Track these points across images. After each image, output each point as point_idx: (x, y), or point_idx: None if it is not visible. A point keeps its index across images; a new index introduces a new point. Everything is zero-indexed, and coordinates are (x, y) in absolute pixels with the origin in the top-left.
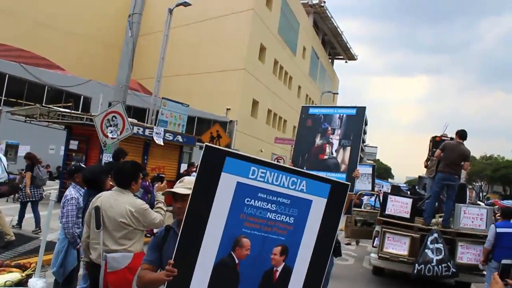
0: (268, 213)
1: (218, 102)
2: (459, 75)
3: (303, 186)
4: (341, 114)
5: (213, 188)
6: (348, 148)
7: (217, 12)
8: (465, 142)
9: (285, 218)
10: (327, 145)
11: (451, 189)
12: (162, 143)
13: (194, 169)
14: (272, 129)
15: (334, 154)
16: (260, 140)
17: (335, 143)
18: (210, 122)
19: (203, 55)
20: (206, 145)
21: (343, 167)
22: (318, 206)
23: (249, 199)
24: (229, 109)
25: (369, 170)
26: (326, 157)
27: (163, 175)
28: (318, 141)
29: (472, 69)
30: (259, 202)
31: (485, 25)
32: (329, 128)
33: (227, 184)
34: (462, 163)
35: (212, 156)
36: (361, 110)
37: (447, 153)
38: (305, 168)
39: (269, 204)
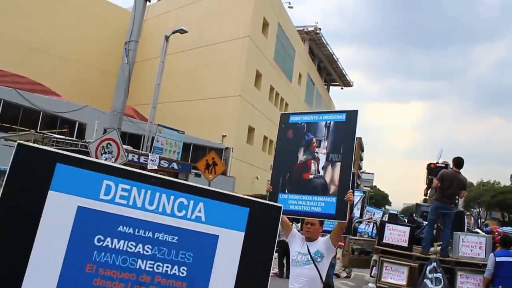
0: (140, 262)
1: (213, 129)
2: (454, 101)
3: (199, 211)
4: (328, 122)
5: (33, 220)
6: (338, 164)
7: (213, 39)
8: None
9: (172, 270)
10: (312, 161)
11: (448, 217)
12: (156, 167)
13: None
14: (268, 156)
15: (321, 173)
16: (256, 167)
17: (322, 158)
18: (205, 149)
19: (199, 82)
20: (19, 143)
21: (332, 188)
22: (230, 244)
23: (102, 238)
24: (225, 136)
25: (358, 196)
26: (311, 176)
27: None
28: (301, 156)
29: (467, 95)
30: (121, 242)
31: (479, 51)
32: (314, 140)
33: (59, 212)
34: (459, 191)
35: (32, 161)
36: (352, 115)
37: (445, 183)
38: (286, 192)
39: (140, 246)
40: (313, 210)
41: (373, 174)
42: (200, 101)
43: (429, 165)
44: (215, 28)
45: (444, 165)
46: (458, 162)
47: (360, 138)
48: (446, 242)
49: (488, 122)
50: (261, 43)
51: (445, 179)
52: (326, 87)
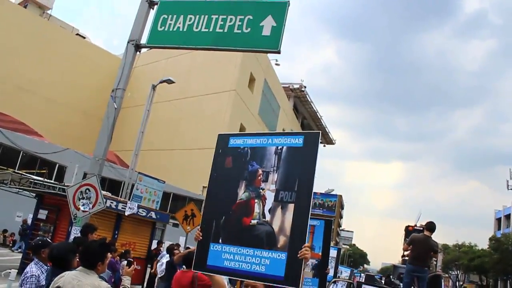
0: None
1: (194, 180)
2: (433, 163)
3: None
4: (279, 147)
5: None
6: (291, 207)
7: (199, 90)
8: (436, 231)
9: None
10: (255, 201)
11: (422, 280)
12: (135, 211)
13: (162, 247)
14: None
15: (268, 217)
16: None
17: (270, 197)
18: (185, 199)
19: (182, 132)
20: None
21: (282, 240)
22: None
23: None
24: (205, 187)
25: (333, 253)
26: (254, 221)
27: (132, 259)
28: (242, 194)
29: (446, 158)
30: None
31: (457, 116)
32: (260, 171)
33: None
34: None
35: None
36: (312, 138)
37: (415, 247)
38: (220, 241)
39: None
40: (254, 270)
41: (352, 232)
42: (182, 151)
43: (407, 227)
44: (202, 80)
45: (421, 227)
46: (430, 227)
47: (341, 196)
48: None
49: (466, 185)
50: (247, 97)
51: (415, 243)
52: None
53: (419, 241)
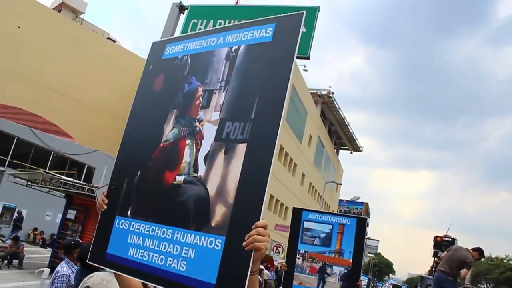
0: None
1: None
2: (462, 172)
3: None
4: (234, 47)
5: None
6: (241, 150)
7: None
8: (466, 243)
9: None
10: (187, 142)
11: None
12: None
13: None
14: (273, 215)
15: (201, 170)
16: None
17: (209, 133)
18: None
19: None
20: None
21: (219, 214)
22: None
23: None
24: None
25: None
26: (180, 178)
27: None
28: (168, 131)
29: (475, 167)
30: None
31: (488, 125)
32: (200, 91)
33: None
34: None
35: None
36: (290, 25)
37: (449, 253)
38: (129, 215)
39: None
40: (169, 267)
41: (378, 241)
42: None
43: (435, 237)
44: None
45: (450, 238)
46: (478, 249)
47: (367, 204)
48: None
49: (496, 196)
50: None
51: (451, 249)
52: (335, 150)
53: (455, 248)
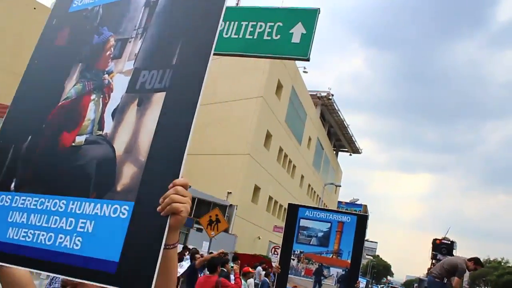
0: None
1: (219, 185)
2: (462, 175)
3: None
4: None
5: None
6: (158, 100)
7: (226, 96)
8: (465, 246)
9: None
10: (92, 97)
11: None
12: None
13: (187, 253)
14: (272, 216)
15: (108, 128)
16: (258, 226)
17: (120, 85)
18: (210, 205)
19: (209, 137)
20: None
21: (127, 176)
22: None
23: None
24: (230, 193)
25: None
26: (81, 139)
27: None
28: (70, 87)
29: (475, 170)
30: None
31: (488, 128)
32: (111, 41)
33: None
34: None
35: None
36: None
37: (444, 260)
38: (12, 189)
39: None
40: (58, 246)
41: (376, 243)
42: (208, 156)
43: (434, 240)
44: (230, 86)
45: (449, 241)
46: (473, 259)
47: (366, 206)
48: None
49: (495, 199)
50: (274, 104)
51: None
52: (334, 152)
53: (450, 256)
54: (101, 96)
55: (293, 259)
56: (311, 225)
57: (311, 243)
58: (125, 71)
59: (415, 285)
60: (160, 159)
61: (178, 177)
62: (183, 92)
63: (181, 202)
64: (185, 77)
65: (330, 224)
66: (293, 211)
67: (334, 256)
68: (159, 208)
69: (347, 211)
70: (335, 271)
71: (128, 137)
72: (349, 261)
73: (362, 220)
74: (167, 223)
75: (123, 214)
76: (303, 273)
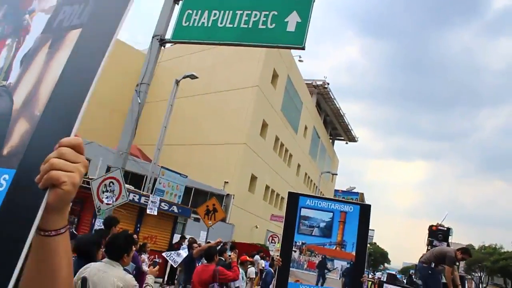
0: None
1: (216, 175)
2: (457, 162)
3: None
4: None
5: None
6: (72, 37)
7: (222, 86)
8: (460, 232)
9: None
10: (7, 42)
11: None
12: (155, 213)
13: (184, 242)
14: (268, 205)
15: (14, 75)
16: (256, 216)
17: (37, 25)
18: (207, 194)
19: (205, 127)
20: None
21: (17, 133)
22: None
23: None
24: (227, 182)
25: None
26: None
27: (158, 261)
28: None
29: (470, 157)
30: None
31: (483, 115)
32: None
33: None
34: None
35: None
36: None
37: (434, 248)
38: None
39: None
40: None
41: (373, 230)
42: (204, 146)
43: (430, 227)
44: (225, 76)
45: (445, 228)
46: (462, 248)
47: (362, 194)
48: None
49: (491, 185)
50: (270, 93)
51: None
52: (331, 140)
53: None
54: (16, 39)
55: (295, 251)
56: (312, 214)
57: (313, 233)
58: (47, 8)
59: (411, 271)
60: (55, 112)
61: (69, 135)
62: (100, 27)
63: (65, 169)
64: (106, 9)
65: (332, 214)
66: (293, 200)
67: (337, 248)
68: (36, 178)
69: (349, 200)
70: (339, 264)
71: (30, 87)
72: (353, 253)
73: (365, 210)
74: (44, 199)
75: (1, 185)
76: (305, 266)
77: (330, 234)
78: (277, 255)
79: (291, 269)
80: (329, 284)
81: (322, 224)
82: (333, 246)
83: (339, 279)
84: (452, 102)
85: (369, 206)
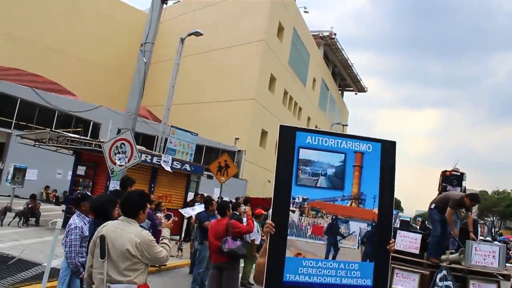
0: None
1: (226, 132)
2: (469, 109)
3: None
4: None
5: None
6: None
7: (227, 42)
8: (473, 178)
9: None
10: None
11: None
12: (170, 170)
13: (199, 199)
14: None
15: None
16: (268, 170)
17: None
18: (218, 152)
19: (212, 85)
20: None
21: None
22: None
23: None
24: (238, 138)
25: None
26: None
27: (171, 214)
28: None
29: (482, 103)
30: None
31: (495, 60)
32: None
33: None
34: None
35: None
36: None
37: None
38: None
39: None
40: None
41: None
42: (213, 104)
43: (444, 172)
44: (230, 32)
45: (459, 173)
46: (470, 194)
47: None
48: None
49: (504, 131)
50: (276, 47)
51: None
52: (340, 92)
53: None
54: None
55: (293, 211)
56: (316, 157)
57: (318, 185)
58: None
59: (418, 219)
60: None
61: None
62: None
63: None
64: None
65: (343, 155)
66: (287, 137)
67: (353, 204)
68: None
69: (367, 136)
70: (356, 227)
71: None
72: (375, 210)
73: (389, 149)
74: None
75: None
76: (309, 232)
77: (341, 185)
78: (268, 221)
79: (288, 237)
80: (343, 257)
81: (330, 171)
82: (347, 202)
83: (357, 248)
84: (463, 48)
85: (394, 143)
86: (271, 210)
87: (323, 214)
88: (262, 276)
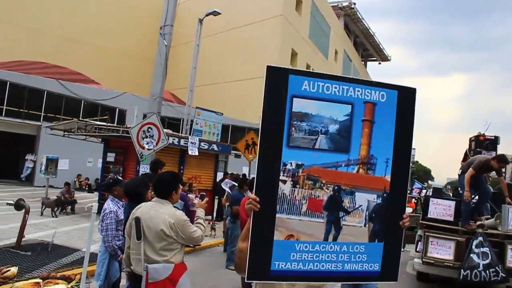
0: None
1: (251, 110)
2: (497, 72)
3: None
4: None
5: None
6: None
7: (245, 19)
8: (505, 142)
9: None
10: None
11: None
12: (196, 153)
13: (229, 178)
14: None
15: None
16: None
17: None
18: (244, 130)
19: (233, 64)
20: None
21: None
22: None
23: None
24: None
25: None
26: None
27: (204, 194)
28: None
29: (510, 65)
30: None
31: None
32: None
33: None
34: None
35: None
36: None
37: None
38: None
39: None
40: None
41: (414, 149)
42: (235, 83)
43: (476, 137)
44: (248, 9)
45: (493, 137)
46: (496, 156)
47: None
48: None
49: None
50: (295, 21)
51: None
52: (363, 62)
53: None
54: None
55: (284, 181)
56: (314, 110)
57: (316, 146)
58: None
59: (448, 186)
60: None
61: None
62: None
63: None
64: None
65: (350, 107)
66: (278, 82)
67: (361, 170)
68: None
69: (380, 82)
70: (364, 200)
71: None
72: (388, 178)
73: (408, 98)
74: None
75: None
76: (304, 208)
77: (347, 147)
78: (251, 194)
79: (277, 215)
80: (347, 237)
81: (332, 128)
82: (353, 168)
83: (364, 225)
84: (487, 9)
85: (413, 90)
86: (255, 180)
87: (322, 185)
88: (245, 263)
